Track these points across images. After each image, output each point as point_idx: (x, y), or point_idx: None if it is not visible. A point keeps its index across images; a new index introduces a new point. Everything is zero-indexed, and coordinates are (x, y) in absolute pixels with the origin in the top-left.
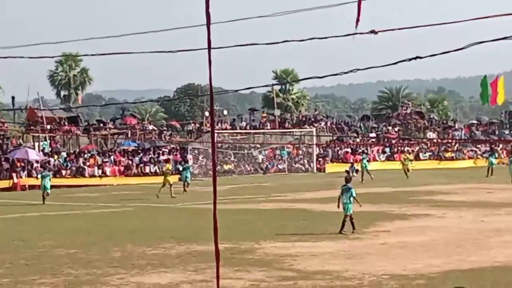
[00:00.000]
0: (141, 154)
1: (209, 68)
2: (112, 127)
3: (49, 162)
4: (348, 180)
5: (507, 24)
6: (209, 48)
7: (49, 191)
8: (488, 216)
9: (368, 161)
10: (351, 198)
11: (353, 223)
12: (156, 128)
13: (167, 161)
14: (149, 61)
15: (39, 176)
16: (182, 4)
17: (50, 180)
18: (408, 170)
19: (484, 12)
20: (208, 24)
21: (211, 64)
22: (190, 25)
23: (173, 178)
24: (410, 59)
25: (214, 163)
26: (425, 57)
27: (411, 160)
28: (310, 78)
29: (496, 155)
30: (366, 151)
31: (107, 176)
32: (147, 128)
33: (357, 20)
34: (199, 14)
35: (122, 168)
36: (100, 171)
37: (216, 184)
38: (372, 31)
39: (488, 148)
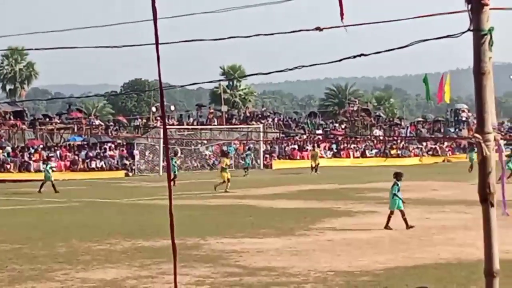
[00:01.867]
0: (87, 149)
1: (157, 64)
2: (58, 121)
3: None
4: (398, 175)
5: (452, 23)
6: (157, 43)
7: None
8: (433, 214)
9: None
10: (393, 194)
11: (405, 220)
12: (102, 123)
13: (225, 155)
14: (96, 55)
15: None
16: None
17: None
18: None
19: (432, 9)
20: (155, 19)
21: (159, 60)
22: (136, 20)
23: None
24: (354, 56)
25: (168, 159)
26: (369, 54)
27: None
28: (256, 74)
29: (476, 150)
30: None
31: (53, 171)
32: (94, 123)
33: (341, 13)
34: (146, 9)
35: (68, 163)
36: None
37: (170, 179)
38: (317, 28)
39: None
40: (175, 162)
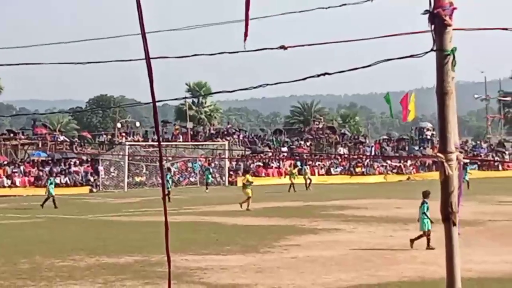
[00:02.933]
0: (52, 165)
1: (150, 79)
2: (23, 137)
3: None
4: (425, 194)
5: (416, 42)
6: (148, 58)
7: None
8: (397, 231)
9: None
10: (423, 214)
11: (428, 240)
12: (67, 139)
13: (247, 171)
14: (61, 71)
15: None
16: (98, 13)
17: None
18: (292, 184)
19: (397, 28)
20: (144, 33)
21: (151, 74)
22: (100, 37)
23: (85, 189)
24: (318, 75)
25: (162, 175)
26: (334, 73)
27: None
28: (221, 92)
29: (468, 169)
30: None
31: (16, 186)
32: (58, 139)
33: (245, 35)
34: (109, 25)
35: (32, 179)
36: (9, 181)
37: (165, 194)
38: (282, 47)
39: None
40: (169, 178)
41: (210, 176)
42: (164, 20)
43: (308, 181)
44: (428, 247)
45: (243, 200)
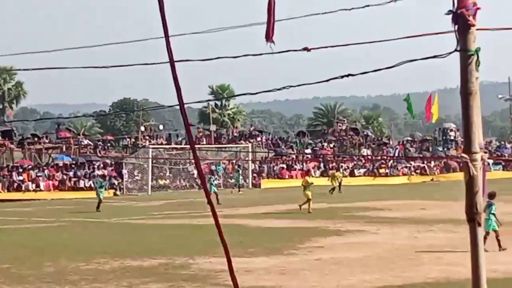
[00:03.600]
0: (75, 169)
1: (175, 82)
2: (47, 141)
3: None
4: (491, 195)
5: (439, 43)
6: (172, 61)
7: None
8: (421, 233)
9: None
10: (490, 215)
11: (498, 241)
12: (91, 143)
13: (307, 173)
14: (85, 75)
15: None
16: (124, 17)
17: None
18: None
19: (417, 30)
20: (167, 36)
21: (177, 78)
22: (124, 41)
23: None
24: (342, 77)
25: (202, 178)
26: (357, 74)
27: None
28: (244, 94)
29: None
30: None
31: (41, 190)
32: (82, 143)
33: (268, 35)
34: (133, 29)
35: (56, 183)
36: (34, 185)
37: (209, 196)
38: (305, 48)
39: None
40: (213, 181)
41: (240, 177)
42: (187, 23)
43: (338, 183)
44: (500, 247)
45: (303, 202)
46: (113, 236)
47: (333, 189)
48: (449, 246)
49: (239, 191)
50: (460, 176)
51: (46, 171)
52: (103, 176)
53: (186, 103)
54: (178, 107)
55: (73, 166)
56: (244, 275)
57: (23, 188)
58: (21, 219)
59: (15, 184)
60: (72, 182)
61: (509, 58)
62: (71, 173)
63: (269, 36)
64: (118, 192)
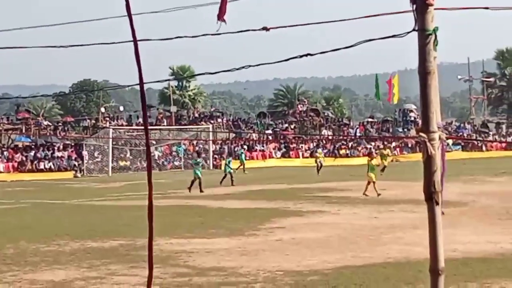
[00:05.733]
0: (35, 150)
1: (137, 62)
2: (6, 122)
3: None
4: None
5: (399, 23)
6: (135, 40)
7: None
8: (382, 213)
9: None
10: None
11: None
12: (51, 124)
13: (369, 155)
14: (44, 56)
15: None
16: None
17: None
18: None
19: (378, 9)
20: (130, 16)
21: (139, 58)
22: (84, 20)
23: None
24: (301, 56)
25: (149, 159)
26: (316, 54)
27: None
28: (204, 74)
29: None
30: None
31: (0, 172)
32: (42, 124)
33: (220, 14)
34: (94, 7)
35: (16, 164)
36: None
37: (151, 179)
38: (264, 28)
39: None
40: (229, 162)
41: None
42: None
43: (319, 165)
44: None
45: (365, 188)
46: (74, 218)
47: (384, 167)
48: (409, 226)
49: (244, 171)
50: (420, 156)
51: (5, 153)
52: (198, 154)
53: (146, 83)
54: (138, 87)
55: (32, 147)
56: (205, 256)
57: None
58: None
59: None
60: (32, 164)
61: (468, 38)
62: (31, 155)
63: (221, 15)
64: (78, 174)
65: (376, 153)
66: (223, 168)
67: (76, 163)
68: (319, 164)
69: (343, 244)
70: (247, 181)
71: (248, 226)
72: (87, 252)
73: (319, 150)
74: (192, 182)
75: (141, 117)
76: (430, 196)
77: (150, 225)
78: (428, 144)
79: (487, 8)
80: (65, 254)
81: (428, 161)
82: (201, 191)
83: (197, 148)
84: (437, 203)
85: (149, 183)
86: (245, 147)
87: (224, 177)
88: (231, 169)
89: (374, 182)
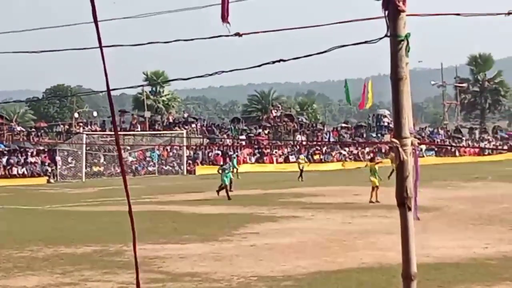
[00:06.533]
0: (8, 156)
1: (104, 67)
2: None
3: None
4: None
5: (371, 30)
6: (101, 46)
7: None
8: (355, 218)
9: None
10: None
11: None
12: (24, 129)
13: (371, 159)
14: (17, 61)
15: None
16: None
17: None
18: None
19: (352, 16)
20: (96, 21)
21: (105, 63)
22: (61, 25)
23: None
24: (274, 62)
25: (122, 165)
26: (289, 60)
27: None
28: (177, 79)
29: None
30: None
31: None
32: (15, 129)
33: (223, 17)
34: (63, 13)
35: None
36: None
37: (127, 184)
38: (237, 34)
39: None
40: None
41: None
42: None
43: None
44: None
45: (372, 194)
46: (47, 224)
47: (393, 171)
48: (383, 231)
49: (238, 176)
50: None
51: None
52: (228, 158)
53: (119, 88)
54: (113, 93)
55: (5, 153)
56: (179, 262)
57: None
58: None
59: None
60: (5, 170)
61: (441, 44)
62: (3, 160)
63: (224, 17)
64: (52, 179)
65: (378, 158)
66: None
67: (50, 169)
68: (301, 169)
69: (316, 250)
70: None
71: (222, 231)
72: (61, 258)
73: (302, 156)
74: (221, 187)
75: None
76: (403, 202)
77: (133, 230)
78: (400, 150)
79: (458, 14)
80: (38, 260)
81: (401, 166)
82: (228, 198)
83: (218, 152)
84: (410, 209)
85: (125, 189)
86: (237, 152)
87: (227, 186)
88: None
89: (377, 187)
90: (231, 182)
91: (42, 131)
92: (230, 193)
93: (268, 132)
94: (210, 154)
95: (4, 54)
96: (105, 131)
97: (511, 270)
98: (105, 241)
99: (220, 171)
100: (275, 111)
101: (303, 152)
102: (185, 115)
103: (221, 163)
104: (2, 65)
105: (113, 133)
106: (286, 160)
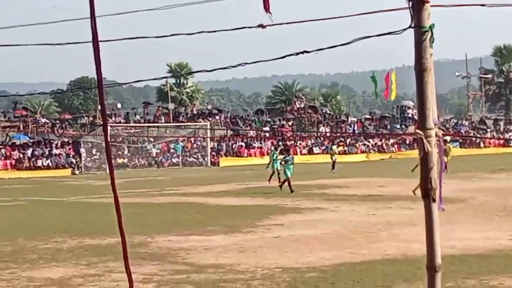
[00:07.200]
0: (33, 148)
1: (96, 62)
2: (4, 120)
3: None
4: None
5: (395, 21)
6: (96, 41)
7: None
8: (379, 210)
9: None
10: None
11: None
12: (48, 121)
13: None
14: (42, 54)
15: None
16: None
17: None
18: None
19: (376, 7)
20: (93, 15)
21: (98, 57)
22: (77, 18)
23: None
24: (297, 53)
25: (109, 157)
26: (312, 51)
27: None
28: (201, 71)
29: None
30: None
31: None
32: (40, 121)
33: (266, 6)
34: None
35: (13, 162)
36: None
37: (114, 177)
38: (260, 25)
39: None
40: (276, 156)
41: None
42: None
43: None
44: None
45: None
46: (71, 215)
47: (417, 165)
48: (407, 223)
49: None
50: (417, 153)
51: (3, 150)
52: (286, 149)
53: (143, 80)
54: (137, 85)
55: (30, 145)
56: (203, 253)
57: None
58: None
59: None
60: (30, 161)
61: (466, 35)
62: (28, 152)
63: (267, 7)
64: (76, 171)
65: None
66: (271, 165)
67: (74, 161)
68: (334, 161)
69: (341, 241)
70: (245, 179)
71: (246, 223)
72: (85, 249)
73: (334, 147)
74: (283, 181)
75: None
76: (427, 193)
77: (120, 224)
78: (424, 141)
79: (483, 5)
80: (63, 252)
81: (425, 158)
82: (291, 191)
83: (280, 143)
84: (434, 200)
85: (112, 184)
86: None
87: (273, 174)
88: (277, 165)
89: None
90: (277, 173)
91: (67, 123)
92: (268, 184)
93: (292, 123)
94: (234, 146)
95: (29, 46)
96: (129, 123)
97: None
98: (129, 232)
99: (283, 163)
100: (299, 102)
101: (328, 144)
102: (209, 106)
103: (283, 154)
104: (27, 57)
105: (137, 125)
106: (310, 152)
